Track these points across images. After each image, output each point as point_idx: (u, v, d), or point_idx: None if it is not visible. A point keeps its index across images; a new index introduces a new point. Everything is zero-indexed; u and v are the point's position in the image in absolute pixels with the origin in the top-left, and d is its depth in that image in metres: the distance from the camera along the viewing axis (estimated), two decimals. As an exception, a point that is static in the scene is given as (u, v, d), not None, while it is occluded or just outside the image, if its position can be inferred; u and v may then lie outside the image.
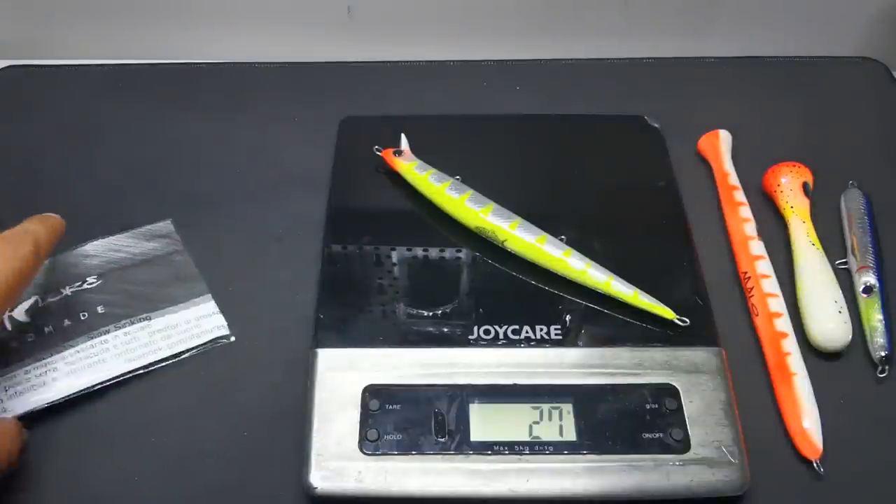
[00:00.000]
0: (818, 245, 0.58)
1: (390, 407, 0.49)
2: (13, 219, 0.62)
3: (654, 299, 0.53)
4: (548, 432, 0.48)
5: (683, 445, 0.48)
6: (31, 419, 0.51)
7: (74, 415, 0.51)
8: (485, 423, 0.48)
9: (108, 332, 0.53)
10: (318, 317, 0.53)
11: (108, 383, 0.52)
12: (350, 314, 0.54)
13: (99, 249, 0.58)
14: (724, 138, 0.65)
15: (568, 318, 0.53)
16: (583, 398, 0.49)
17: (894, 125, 0.69)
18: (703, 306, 0.54)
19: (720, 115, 0.67)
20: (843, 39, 0.82)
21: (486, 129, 0.67)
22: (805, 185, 0.61)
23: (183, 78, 0.73)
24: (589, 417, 0.49)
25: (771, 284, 0.56)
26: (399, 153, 0.61)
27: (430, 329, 0.53)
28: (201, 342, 0.54)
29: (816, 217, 0.60)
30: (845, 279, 0.57)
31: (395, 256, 0.57)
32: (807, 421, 0.50)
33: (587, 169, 0.63)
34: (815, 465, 0.49)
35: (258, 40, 0.81)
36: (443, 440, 0.48)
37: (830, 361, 0.54)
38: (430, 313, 0.53)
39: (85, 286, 0.56)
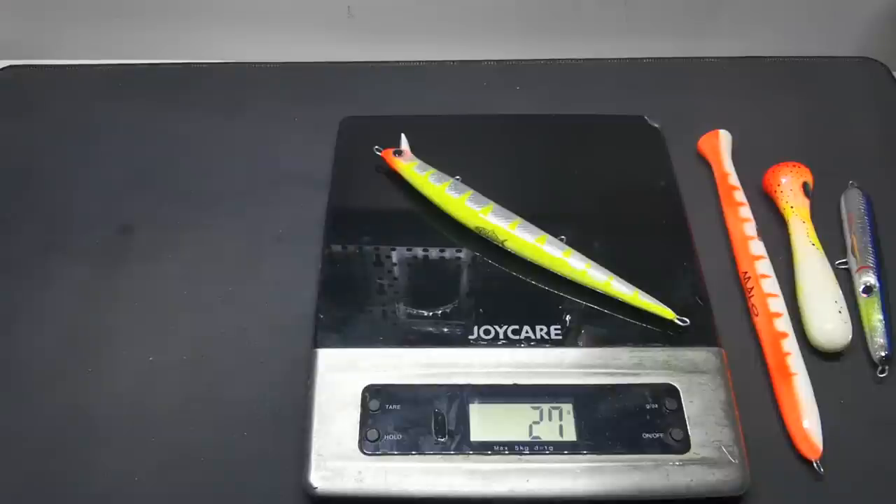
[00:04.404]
0: (818, 245, 0.58)
1: (390, 407, 0.49)
2: (13, 219, 0.62)
3: (654, 299, 0.53)
4: (548, 432, 0.48)
5: (683, 445, 0.48)
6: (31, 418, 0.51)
7: (74, 414, 0.51)
8: (485, 423, 0.48)
9: None
10: (318, 317, 0.53)
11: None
12: (350, 314, 0.54)
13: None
14: (724, 138, 0.65)
15: (568, 318, 0.53)
16: (583, 398, 0.49)
17: (894, 125, 0.69)
18: (703, 306, 0.54)
19: (720, 115, 0.67)
20: (843, 39, 0.82)
21: (486, 129, 0.67)
22: (805, 185, 0.61)
23: (183, 78, 0.73)
24: (589, 417, 0.49)
25: (771, 284, 0.56)
26: (399, 153, 0.61)
27: (430, 329, 0.53)
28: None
29: (816, 217, 0.60)
30: (845, 279, 0.57)
31: (395, 256, 0.57)
32: (807, 421, 0.50)
33: (587, 169, 0.63)
34: (815, 465, 0.49)
35: (258, 40, 0.81)
36: (443, 440, 0.48)
37: (830, 361, 0.54)
38: (430, 313, 0.53)
39: None
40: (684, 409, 0.49)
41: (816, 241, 0.58)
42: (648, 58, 0.74)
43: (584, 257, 0.54)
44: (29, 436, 0.51)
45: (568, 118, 0.67)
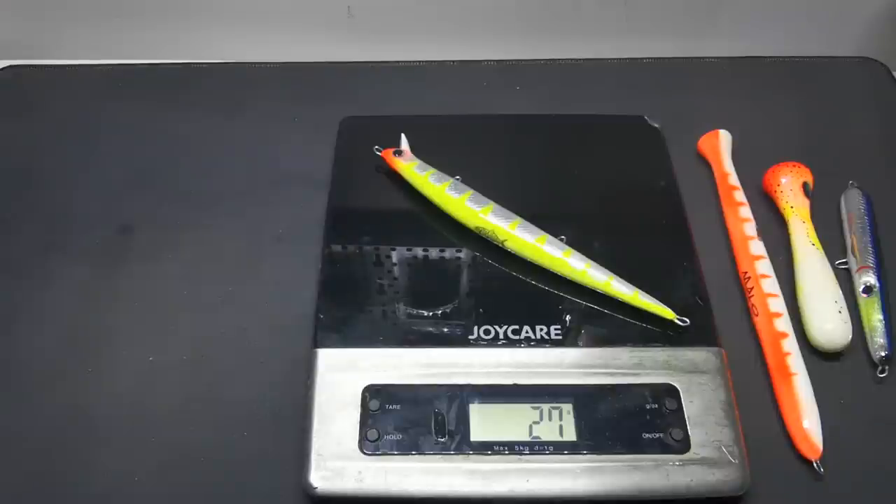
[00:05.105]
0: (818, 245, 0.58)
1: (390, 407, 0.49)
2: (13, 219, 0.62)
3: (653, 299, 0.53)
4: (548, 432, 0.48)
5: (683, 445, 0.48)
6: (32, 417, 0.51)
7: (74, 414, 0.51)
8: (485, 423, 0.48)
9: None
10: (318, 317, 0.53)
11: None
12: (350, 314, 0.54)
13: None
14: (724, 138, 0.65)
15: (568, 318, 0.53)
16: (583, 398, 0.49)
17: (894, 125, 0.69)
18: (703, 306, 0.54)
19: (720, 115, 0.67)
20: (843, 39, 0.82)
21: (486, 129, 0.67)
22: (805, 185, 0.61)
23: (183, 78, 0.73)
24: (589, 417, 0.49)
25: (771, 284, 0.56)
26: (399, 153, 0.61)
27: (430, 329, 0.53)
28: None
29: (816, 217, 0.60)
30: (845, 279, 0.57)
31: (395, 256, 0.57)
32: (807, 421, 0.50)
33: (587, 169, 0.63)
34: (815, 465, 0.49)
35: (258, 40, 0.81)
36: (443, 440, 0.48)
37: (830, 361, 0.54)
38: (430, 313, 0.53)
39: None
40: (684, 409, 0.49)
41: (816, 241, 0.58)
42: (648, 58, 0.74)
43: (584, 257, 0.54)
44: (29, 436, 0.51)
45: (568, 118, 0.67)
